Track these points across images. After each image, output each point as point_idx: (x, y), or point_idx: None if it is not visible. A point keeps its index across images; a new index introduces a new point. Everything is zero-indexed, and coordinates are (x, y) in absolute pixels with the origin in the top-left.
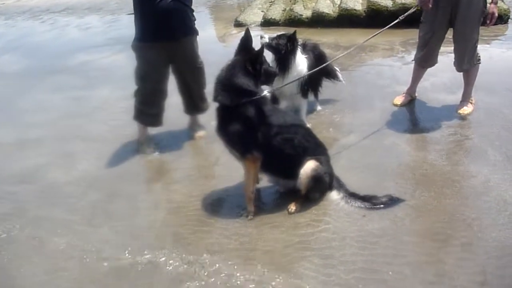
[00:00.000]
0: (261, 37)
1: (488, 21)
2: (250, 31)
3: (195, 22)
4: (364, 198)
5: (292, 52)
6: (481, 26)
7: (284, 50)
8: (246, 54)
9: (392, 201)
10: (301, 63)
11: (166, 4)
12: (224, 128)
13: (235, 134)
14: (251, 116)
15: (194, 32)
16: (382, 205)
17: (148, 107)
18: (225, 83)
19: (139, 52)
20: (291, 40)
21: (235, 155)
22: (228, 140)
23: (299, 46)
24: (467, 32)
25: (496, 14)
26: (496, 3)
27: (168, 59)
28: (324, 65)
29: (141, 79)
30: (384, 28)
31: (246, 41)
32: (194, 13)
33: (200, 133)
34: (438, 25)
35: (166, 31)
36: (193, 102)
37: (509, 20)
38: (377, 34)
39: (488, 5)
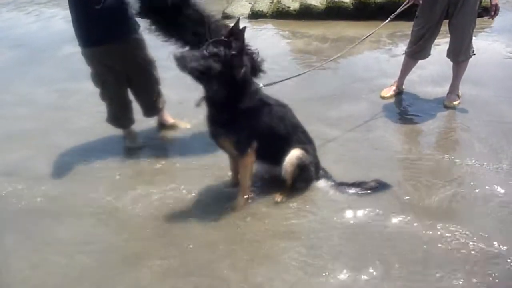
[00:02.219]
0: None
1: (492, 13)
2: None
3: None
4: (354, 185)
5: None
6: (485, 18)
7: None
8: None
9: (381, 186)
10: None
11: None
12: (224, 130)
13: (238, 134)
14: (254, 113)
15: (136, 32)
16: (371, 190)
17: (117, 110)
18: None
19: (89, 59)
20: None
21: (231, 153)
22: (232, 141)
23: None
24: (465, 24)
25: (499, 6)
26: None
27: (118, 60)
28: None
29: (100, 85)
30: (381, 25)
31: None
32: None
33: (181, 124)
34: (434, 19)
35: (104, 32)
36: (145, 105)
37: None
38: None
39: None
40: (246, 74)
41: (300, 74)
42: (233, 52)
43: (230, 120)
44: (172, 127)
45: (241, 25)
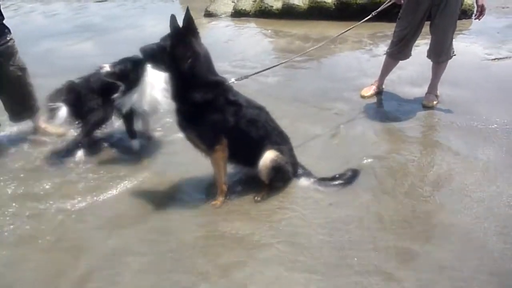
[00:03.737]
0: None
1: (477, 14)
2: (221, 21)
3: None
4: (333, 178)
5: (138, 78)
6: (471, 19)
7: (130, 79)
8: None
9: (354, 172)
10: (155, 87)
11: None
12: (188, 123)
13: (202, 128)
14: (217, 108)
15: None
16: (350, 179)
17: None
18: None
19: None
20: (136, 65)
21: (201, 149)
22: (195, 134)
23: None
24: (447, 25)
25: (485, 7)
26: None
27: None
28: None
29: None
30: (360, 22)
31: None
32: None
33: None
34: (417, 20)
35: None
36: (12, 109)
37: (473, 15)
38: (351, 28)
39: None
40: (194, 66)
41: (272, 67)
42: (173, 44)
43: (193, 113)
44: (46, 132)
45: (221, 24)
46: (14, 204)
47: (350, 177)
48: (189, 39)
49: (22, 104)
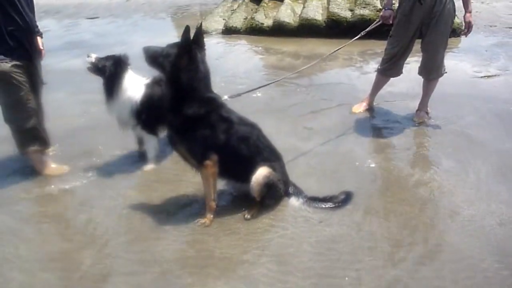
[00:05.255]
0: (88, 56)
1: (465, 30)
2: (212, 38)
3: None
4: (325, 200)
5: (117, 75)
6: (459, 37)
7: (108, 73)
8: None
9: (348, 196)
10: (130, 88)
11: (29, 20)
12: (179, 137)
13: (192, 142)
14: (209, 123)
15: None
16: (342, 202)
17: (37, 130)
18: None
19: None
20: (118, 62)
21: (192, 164)
22: (186, 148)
23: (129, 70)
24: (438, 43)
25: (472, 23)
26: (470, 12)
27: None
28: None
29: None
30: (350, 41)
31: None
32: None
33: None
34: (408, 38)
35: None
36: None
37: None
38: (343, 46)
39: (466, 14)
40: (194, 80)
41: (264, 85)
42: (179, 54)
43: (184, 126)
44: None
45: (212, 40)
46: None
47: (342, 200)
48: (195, 53)
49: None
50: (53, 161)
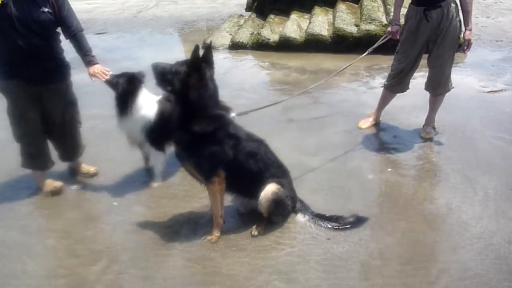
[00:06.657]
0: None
1: (465, 47)
2: (219, 54)
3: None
4: (331, 219)
5: (130, 93)
6: (457, 53)
7: (121, 90)
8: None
9: (359, 221)
10: (144, 106)
11: (29, 41)
12: (187, 153)
13: (200, 159)
14: (217, 140)
15: (64, 79)
16: (349, 225)
17: (35, 150)
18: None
19: (7, 91)
20: (132, 80)
21: (199, 180)
22: (193, 165)
23: (143, 87)
24: (445, 59)
25: (472, 42)
26: (471, 30)
27: (38, 99)
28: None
29: (19, 119)
30: (358, 58)
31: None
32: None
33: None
34: (414, 54)
35: (28, 71)
36: (64, 152)
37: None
38: (350, 64)
39: (466, 31)
40: (202, 98)
41: (273, 104)
42: (189, 72)
43: (192, 143)
44: (84, 173)
45: (219, 56)
46: None
47: (350, 223)
48: (204, 71)
49: (74, 145)
50: (58, 178)
